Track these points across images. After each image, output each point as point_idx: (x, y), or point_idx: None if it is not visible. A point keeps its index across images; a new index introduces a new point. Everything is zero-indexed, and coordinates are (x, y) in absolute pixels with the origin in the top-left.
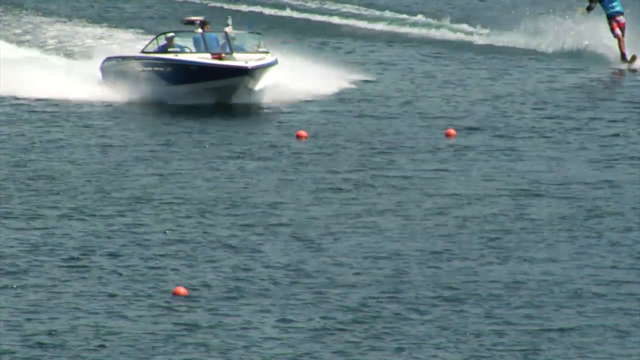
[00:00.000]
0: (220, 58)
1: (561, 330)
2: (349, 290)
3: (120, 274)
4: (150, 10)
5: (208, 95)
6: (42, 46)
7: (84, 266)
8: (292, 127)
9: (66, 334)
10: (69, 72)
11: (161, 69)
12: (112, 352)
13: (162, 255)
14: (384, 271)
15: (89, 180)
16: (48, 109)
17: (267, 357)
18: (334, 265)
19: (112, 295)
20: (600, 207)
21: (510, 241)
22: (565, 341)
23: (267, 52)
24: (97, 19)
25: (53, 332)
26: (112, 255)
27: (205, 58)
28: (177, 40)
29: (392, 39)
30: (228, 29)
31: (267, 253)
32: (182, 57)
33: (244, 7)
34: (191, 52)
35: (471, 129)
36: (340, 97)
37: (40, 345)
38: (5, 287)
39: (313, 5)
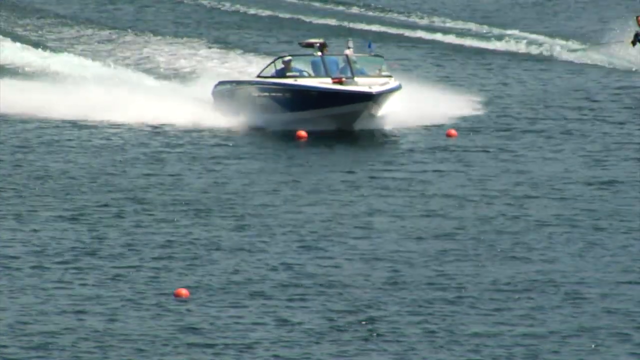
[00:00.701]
0: (341, 82)
1: (559, 332)
2: (348, 291)
3: (122, 276)
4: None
5: (329, 121)
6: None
7: (85, 268)
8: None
9: (66, 335)
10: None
11: (279, 94)
12: (112, 353)
13: (162, 258)
14: (384, 272)
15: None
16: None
17: (267, 357)
18: (333, 267)
19: (113, 297)
20: (600, 208)
21: (509, 242)
22: (563, 342)
23: (390, 76)
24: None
25: (53, 334)
26: (113, 257)
27: (325, 83)
28: (295, 64)
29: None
30: (349, 52)
31: (267, 255)
32: (301, 82)
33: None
34: (310, 77)
35: (471, 129)
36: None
37: (41, 346)
38: (6, 288)
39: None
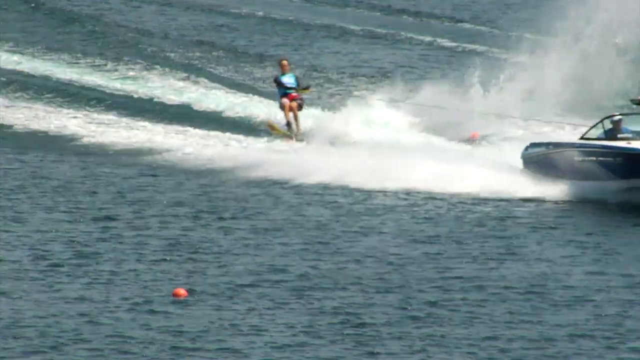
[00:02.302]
0: None
1: (556, 334)
2: (348, 293)
3: (120, 276)
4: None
5: None
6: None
7: (83, 269)
8: None
9: (65, 336)
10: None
11: (608, 159)
12: (111, 354)
13: (161, 259)
14: (383, 274)
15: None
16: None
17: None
18: (332, 268)
19: (113, 297)
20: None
21: (507, 244)
22: (559, 345)
23: None
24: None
25: (51, 335)
26: (112, 258)
27: None
28: (626, 124)
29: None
30: None
31: (266, 256)
32: (635, 144)
33: None
34: None
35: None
36: None
37: (39, 348)
38: (4, 289)
39: None
